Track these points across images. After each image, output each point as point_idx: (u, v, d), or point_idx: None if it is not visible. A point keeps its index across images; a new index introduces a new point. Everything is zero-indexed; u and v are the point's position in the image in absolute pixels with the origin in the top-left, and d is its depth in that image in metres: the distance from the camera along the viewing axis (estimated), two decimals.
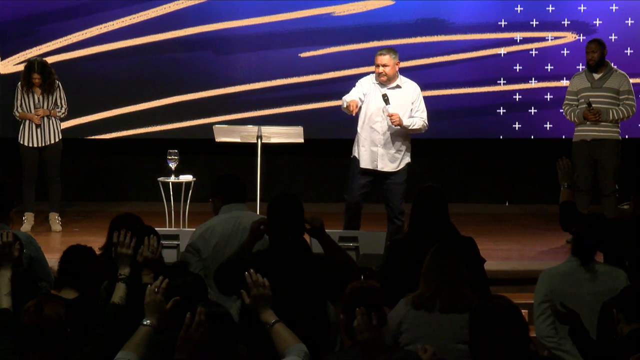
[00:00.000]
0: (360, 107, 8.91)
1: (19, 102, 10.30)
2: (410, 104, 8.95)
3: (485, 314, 4.24)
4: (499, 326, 4.18)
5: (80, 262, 5.32)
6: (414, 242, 5.91)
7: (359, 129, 9.02)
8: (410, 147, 9.09)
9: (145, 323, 4.36)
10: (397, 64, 8.94)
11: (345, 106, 8.90)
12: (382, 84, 8.90)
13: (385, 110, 8.81)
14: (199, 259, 6.24)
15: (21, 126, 10.31)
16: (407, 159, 9.04)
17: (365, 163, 8.95)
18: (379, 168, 8.94)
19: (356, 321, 4.22)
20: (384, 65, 8.86)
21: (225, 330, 4.26)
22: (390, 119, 8.78)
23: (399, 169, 8.99)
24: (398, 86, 8.95)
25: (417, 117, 8.96)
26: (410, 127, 8.91)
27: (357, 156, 9.00)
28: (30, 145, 10.28)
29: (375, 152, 8.92)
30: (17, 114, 10.31)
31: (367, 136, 8.94)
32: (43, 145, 10.28)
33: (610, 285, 5.68)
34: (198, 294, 4.84)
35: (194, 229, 6.61)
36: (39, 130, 10.25)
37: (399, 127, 8.82)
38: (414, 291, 5.37)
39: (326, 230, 5.60)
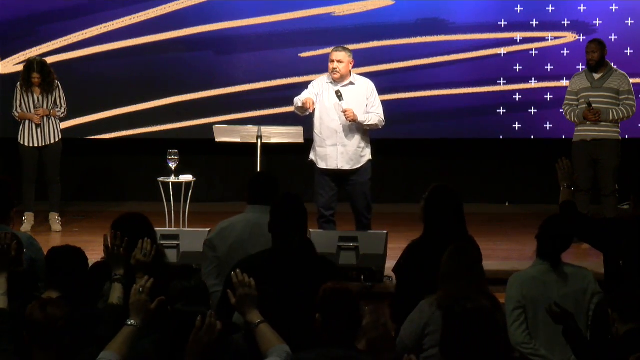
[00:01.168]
0: (314, 108, 8.86)
1: (18, 102, 10.30)
2: (365, 99, 8.88)
3: (454, 317, 4.20)
4: (468, 330, 4.13)
5: (62, 263, 5.29)
6: (431, 244, 5.87)
7: (315, 130, 8.96)
8: (370, 143, 9.01)
9: (129, 323, 4.36)
10: (350, 63, 8.87)
11: (300, 105, 8.84)
12: (335, 81, 8.84)
13: (339, 107, 8.76)
14: (215, 255, 6.25)
15: (21, 126, 10.31)
16: (368, 156, 8.96)
17: (325, 164, 8.90)
18: (340, 167, 8.87)
19: (365, 320, 4.23)
20: (338, 61, 8.79)
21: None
22: (345, 115, 8.72)
23: (360, 166, 8.91)
24: (351, 83, 8.89)
25: (372, 113, 8.89)
26: (365, 123, 8.83)
27: (315, 159, 8.96)
28: (30, 145, 10.28)
29: (334, 151, 8.85)
30: (16, 114, 10.31)
31: (325, 136, 8.88)
32: (43, 145, 10.28)
33: (579, 287, 5.67)
34: (200, 299, 4.83)
35: (204, 228, 6.56)
36: (39, 130, 10.25)
37: (353, 122, 8.77)
38: (430, 292, 5.34)
39: (324, 230, 5.58)
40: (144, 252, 5.29)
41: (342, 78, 8.85)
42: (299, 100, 8.90)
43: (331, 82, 8.89)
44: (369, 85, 8.95)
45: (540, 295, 5.62)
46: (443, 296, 5.21)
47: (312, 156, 9.03)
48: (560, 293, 5.62)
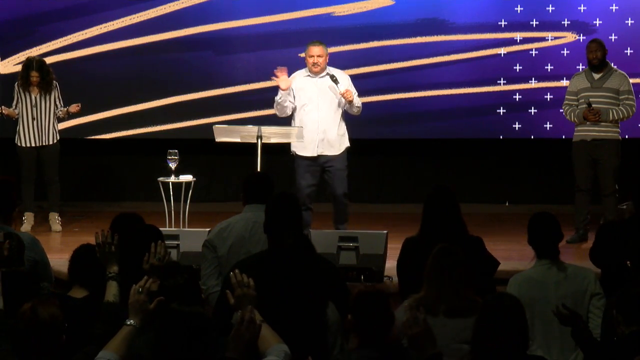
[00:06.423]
0: (294, 101, 9.29)
1: (15, 100, 10.30)
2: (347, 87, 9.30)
3: (494, 312, 4.30)
4: (505, 326, 4.23)
5: (90, 261, 5.31)
6: (426, 243, 5.87)
7: (295, 122, 9.29)
8: (347, 132, 9.38)
9: (128, 323, 4.38)
10: (327, 56, 9.31)
11: (279, 99, 9.29)
12: (316, 74, 9.26)
13: (336, 90, 9.15)
14: (215, 256, 6.28)
15: (18, 127, 10.30)
16: (347, 143, 9.36)
17: (307, 151, 9.25)
18: (321, 153, 9.23)
19: (405, 316, 4.29)
20: (318, 56, 9.26)
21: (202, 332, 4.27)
22: (344, 95, 9.10)
23: (339, 152, 9.29)
24: (329, 74, 9.29)
25: (355, 97, 9.30)
26: (356, 105, 9.25)
27: (296, 149, 9.29)
28: (27, 145, 10.26)
29: (316, 139, 9.21)
30: (15, 111, 10.31)
31: (306, 125, 9.18)
32: (40, 144, 10.26)
33: (578, 287, 5.61)
34: (190, 294, 4.83)
35: (204, 228, 6.57)
36: (36, 130, 10.24)
37: (350, 102, 9.14)
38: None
39: (324, 230, 5.59)
40: (158, 256, 5.22)
41: (321, 71, 9.26)
42: (279, 96, 9.30)
43: (309, 76, 9.30)
44: (345, 76, 9.41)
45: (538, 296, 5.59)
46: (423, 297, 5.20)
47: (293, 148, 9.31)
48: (558, 294, 5.58)
